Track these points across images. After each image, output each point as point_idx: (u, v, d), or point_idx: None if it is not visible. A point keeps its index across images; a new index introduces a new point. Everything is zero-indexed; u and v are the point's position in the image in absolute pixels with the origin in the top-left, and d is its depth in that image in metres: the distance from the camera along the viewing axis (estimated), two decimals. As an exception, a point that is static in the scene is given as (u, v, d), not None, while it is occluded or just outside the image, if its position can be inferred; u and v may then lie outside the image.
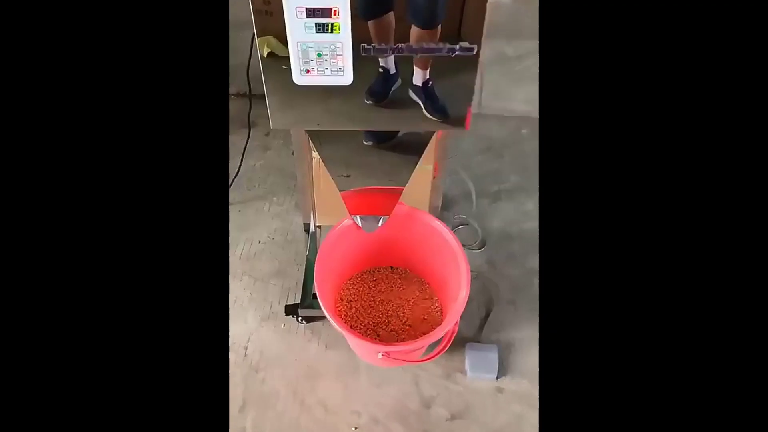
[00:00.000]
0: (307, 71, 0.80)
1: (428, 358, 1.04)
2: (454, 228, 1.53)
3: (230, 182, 1.63)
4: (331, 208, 1.26)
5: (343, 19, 0.74)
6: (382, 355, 0.99)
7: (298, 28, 0.75)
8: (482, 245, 1.51)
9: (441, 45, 0.77)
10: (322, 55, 0.78)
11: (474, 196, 1.61)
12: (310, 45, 0.77)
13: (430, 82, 0.82)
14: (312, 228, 1.38)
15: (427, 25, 0.76)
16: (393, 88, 0.83)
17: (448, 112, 0.85)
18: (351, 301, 1.19)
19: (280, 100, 0.85)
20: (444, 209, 1.50)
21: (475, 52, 0.77)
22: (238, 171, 1.67)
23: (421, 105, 0.85)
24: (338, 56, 0.78)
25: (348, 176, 1.05)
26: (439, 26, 0.76)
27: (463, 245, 1.11)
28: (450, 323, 1.00)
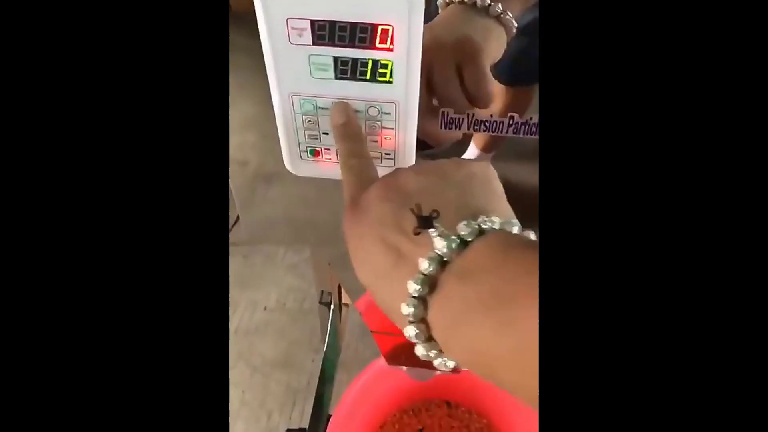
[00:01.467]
0: (316, 153, 0.36)
1: None
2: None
3: (232, 223, 1.22)
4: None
5: (405, 53, 0.30)
6: None
7: (292, 65, 0.31)
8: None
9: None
10: (348, 125, 0.34)
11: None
12: (323, 105, 0.33)
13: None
14: (334, 304, 0.96)
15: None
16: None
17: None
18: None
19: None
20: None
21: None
22: (249, 199, 1.27)
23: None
24: (386, 130, 0.34)
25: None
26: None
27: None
28: None
